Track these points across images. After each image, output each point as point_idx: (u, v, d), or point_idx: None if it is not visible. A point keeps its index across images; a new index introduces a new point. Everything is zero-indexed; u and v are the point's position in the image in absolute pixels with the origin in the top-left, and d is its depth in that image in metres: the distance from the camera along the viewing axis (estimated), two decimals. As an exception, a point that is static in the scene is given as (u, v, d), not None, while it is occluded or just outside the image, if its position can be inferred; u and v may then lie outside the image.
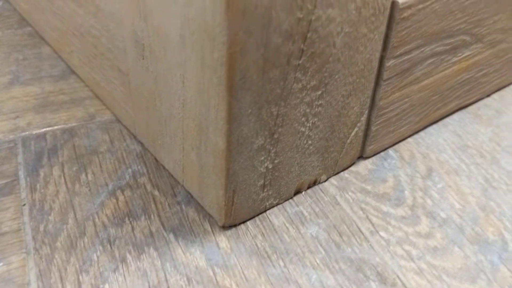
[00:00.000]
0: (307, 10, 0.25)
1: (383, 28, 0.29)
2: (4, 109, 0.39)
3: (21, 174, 0.33)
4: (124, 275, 0.27)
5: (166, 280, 0.26)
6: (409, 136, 0.37)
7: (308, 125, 0.29)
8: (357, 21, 0.28)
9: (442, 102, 0.37)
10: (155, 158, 0.34)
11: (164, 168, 0.33)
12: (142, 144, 0.35)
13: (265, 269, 0.27)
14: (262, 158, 0.28)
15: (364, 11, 0.28)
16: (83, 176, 0.33)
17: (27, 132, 0.36)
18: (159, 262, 0.27)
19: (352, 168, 0.34)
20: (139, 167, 0.33)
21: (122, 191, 0.32)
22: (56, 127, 0.37)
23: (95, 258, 0.28)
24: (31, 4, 0.47)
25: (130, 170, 0.33)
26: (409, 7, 0.30)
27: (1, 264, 0.27)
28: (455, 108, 0.39)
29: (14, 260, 0.27)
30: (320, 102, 0.29)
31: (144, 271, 0.27)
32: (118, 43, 0.32)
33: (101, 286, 0.26)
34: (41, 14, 0.45)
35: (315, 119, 0.29)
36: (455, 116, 0.39)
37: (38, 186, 0.32)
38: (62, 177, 0.33)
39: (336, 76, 0.29)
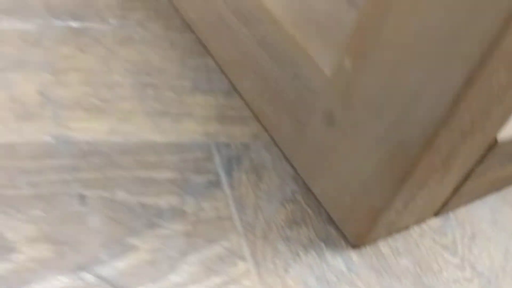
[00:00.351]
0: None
1: (481, 153, 0.47)
2: (194, 112, 0.53)
3: (221, 173, 0.49)
4: (299, 265, 0.44)
5: (324, 275, 0.44)
6: (463, 206, 0.55)
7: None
8: (470, 156, 0.45)
9: (489, 189, 0.55)
10: (304, 182, 0.50)
11: (312, 192, 0.50)
12: (294, 168, 0.51)
13: (380, 281, 0.45)
14: (394, 215, 0.45)
15: (475, 144, 0.45)
16: (260, 185, 0.49)
17: (215, 138, 0.52)
18: (319, 261, 0.45)
19: (428, 222, 0.52)
20: (295, 186, 0.50)
21: (288, 203, 0.48)
22: (235, 139, 0.52)
23: (281, 249, 0.44)
24: (203, 20, 0.60)
25: (289, 187, 0.50)
26: (501, 145, 0.47)
27: (223, 240, 0.43)
28: (492, 192, 0.57)
29: (232, 238, 0.44)
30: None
31: (310, 266, 0.44)
32: (310, 104, 0.48)
33: (288, 268, 0.43)
34: (213, 33, 0.58)
35: (427, 196, 0.47)
36: (492, 196, 0.57)
37: (234, 185, 0.48)
38: (248, 183, 0.49)
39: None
